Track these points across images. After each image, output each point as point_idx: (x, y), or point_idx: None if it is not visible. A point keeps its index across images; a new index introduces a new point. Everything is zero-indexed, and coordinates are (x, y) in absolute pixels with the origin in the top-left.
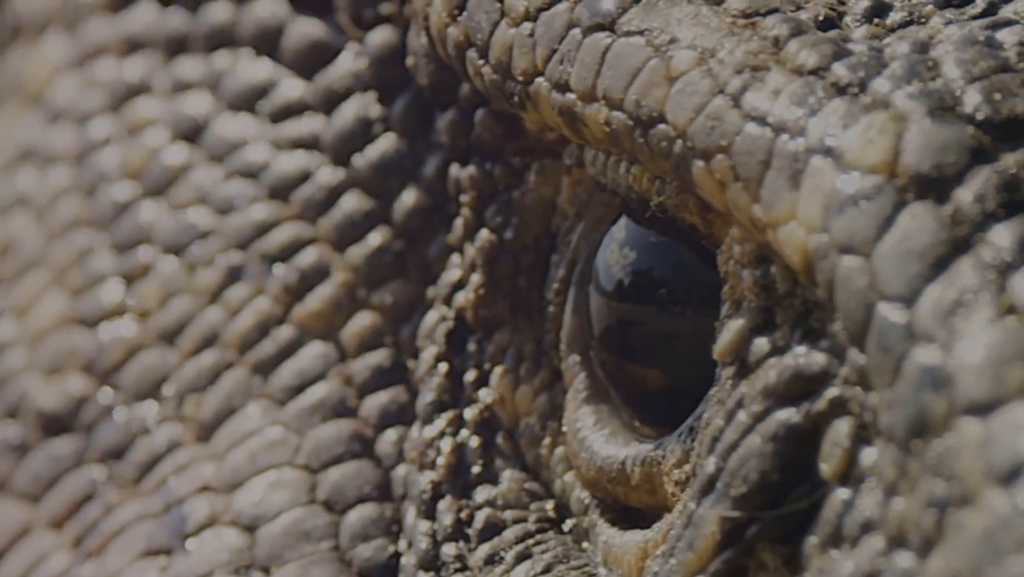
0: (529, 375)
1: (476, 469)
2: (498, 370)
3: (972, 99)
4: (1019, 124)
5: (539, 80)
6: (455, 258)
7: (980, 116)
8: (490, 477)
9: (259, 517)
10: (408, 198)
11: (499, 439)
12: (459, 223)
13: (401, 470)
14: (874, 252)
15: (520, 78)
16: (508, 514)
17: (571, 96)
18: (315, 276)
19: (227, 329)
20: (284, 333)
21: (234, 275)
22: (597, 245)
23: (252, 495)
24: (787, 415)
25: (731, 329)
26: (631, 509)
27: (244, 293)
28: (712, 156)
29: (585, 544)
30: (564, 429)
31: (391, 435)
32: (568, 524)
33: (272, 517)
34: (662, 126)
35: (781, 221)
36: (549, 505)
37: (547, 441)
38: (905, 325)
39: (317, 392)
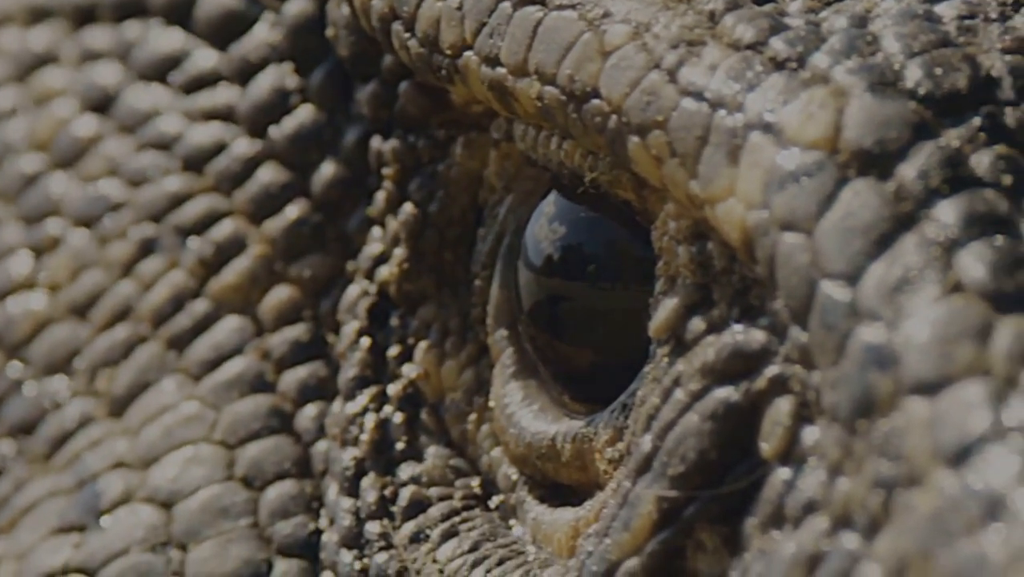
0: (455, 350)
1: (400, 445)
2: (422, 345)
3: (913, 74)
4: (960, 99)
5: (468, 54)
6: (376, 231)
7: (922, 91)
8: (414, 454)
9: (175, 493)
10: (327, 170)
11: (423, 415)
12: (381, 196)
13: (321, 446)
14: (816, 229)
15: (448, 52)
16: (433, 491)
17: (501, 70)
18: (231, 249)
19: (140, 303)
20: (199, 307)
21: (147, 248)
22: (525, 219)
23: (168, 471)
24: (726, 393)
25: (667, 306)
26: (561, 486)
27: (158, 266)
28: (648, 132)
29: (512, 521)
30: (491, 405)
31: (311, 410)
32: (495, 501)
33: (189, 493)
34: (596, 101)
35: (719, 197)
36: (475, 482)
37: (473, 417)
38: (849, 303)
39: (234, 367)
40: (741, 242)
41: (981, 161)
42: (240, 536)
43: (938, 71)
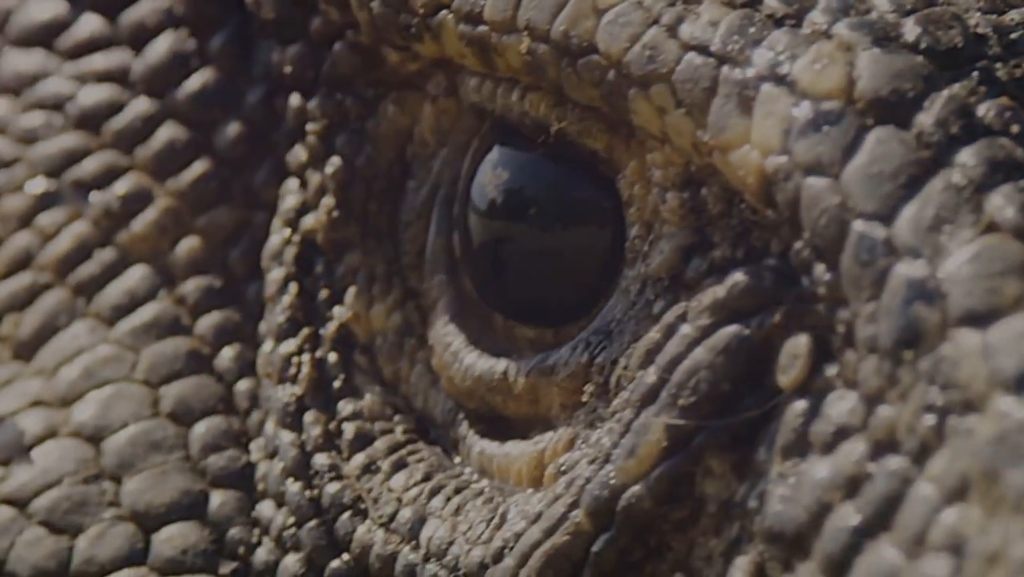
0: (382, 294)
1: (337, 384)
2: (351, 290)
3: (912, 30)
4: (959, 54)
5: (444, 12)
6: (291, 184)
7: (923, 45)
8: (352, 392)
9: (102, 428)
10: (231, 129)
11: (357, 355)
12: (301, 151)
13: (244, 385)
14: (843, 173)
15: (421, 11)
16: (376, 426)
17: (484, 28)
18: (136, 203)
19: (42, 252)
20: (107, 256)
21: (47, 202)
22: (467, 171)
23: (91, 408)
24: (737, 329)
25: (663, 248)
26: (503, 419)
27: (59, 218)
28: (651, 85)
29: (454, 456)
30: (431, 344)
31: (229, 352)
32: (433, 435)
33: (117, 429)
34: (594, 56)
35: (733, 145)
36: (412, 418)
37: (405, 357)
38: (885, 240)
39: (148, 311)
40: (757, 186)
41: (988, 111)
42: (174, 468)
43: (933, 28)
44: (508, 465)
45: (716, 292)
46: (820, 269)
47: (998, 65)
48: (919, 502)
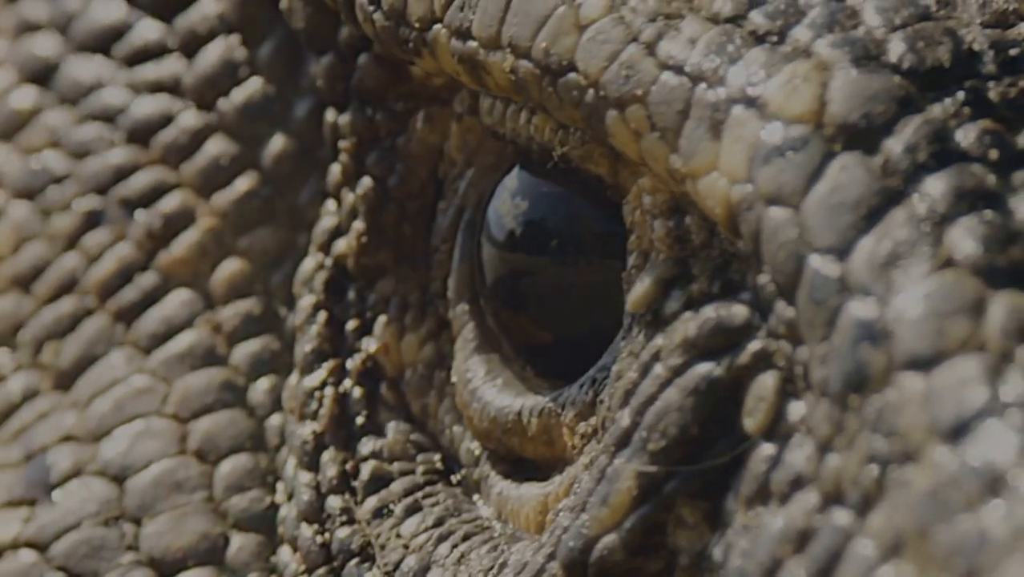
0: (414, 324)
1: (360, 420)
2: (381, 319)
3: (896, 48)
4: (944, 73)
5: (437, 27)
6: (330, 204)
7: (906, 65)
8: (375, 428)
9: (127, 467)
10: (277, 143)
11: (383, 389)
12: (336, 169)
13: (276, 420)
14: (803, 203)
15: (416, 25)
16: (395, 466)
17: (473, 44)
18: (179, 222)
19: (87, 275)
20: (147, 280)
21: (93, 220)
22: (487, 193)
23: (119, 445)
24: (708, 368)
25: (644, 281)
26: (525, 461)
27: (104, 239)
28: (627, 105)
29: (476, 497)
30: (453, 379)
31: (264, 384)
32: (457, 476)
33: (141, 467)
34: (572, 75)
35: (702, 171)
36: (436, 457)
37: (434, 392)
38: (838, 277)
39: (184, 340)
40: (724, 216)
41: (967, 135)
42: (195, 510)
43: (921, 45)
44: (519, 509)
45: (688, 329)
46: (781, 306)
47: (990, 84)
48: (858, 560)
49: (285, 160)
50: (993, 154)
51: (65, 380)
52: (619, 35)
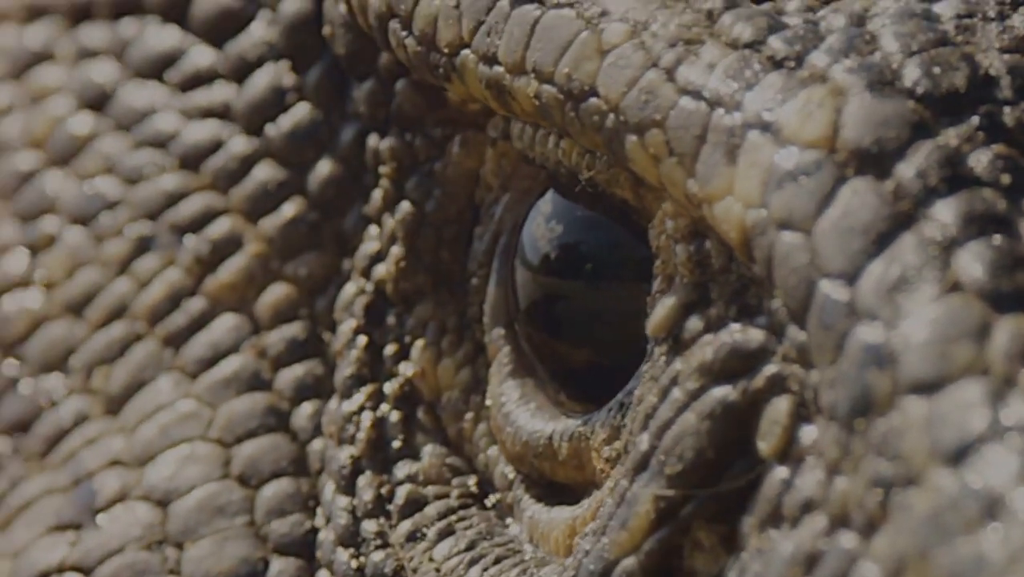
0: (451, 348)
1: (397, 444)
2: (419, 343)
3: (912, 73)
4: (959, 98)
5: (465, 52)
6: (372, 230)
7: (920, 90)
8: (411, 452)
9: (171, 492)
10: (323, 168)
11: (420, 413)
12: (377, 194)
13: (317, 444)
14: (814, 228)
15: (445, 50)
16: (430, 490)
17: (499, 69)
18: (227, 247)
19: (136, 301)
20: (196, 305)
21: (144, 246)
22: (522, 218)
23: (164, 469)
24: (724, 392)
25: (665, 305)
26: (557, 485)
27: (154, 264)
28: (646, 130)
29: (509, 520)
30: (488, 403)
31: (307, 408)
32: (491, 500)
33: (185, 492)
34: (594, 100)
35: (717, 196)
36: (471, 480)
37: (470, 415)
38: (847, 302)
39: (230, 365)
40: (739, 241)
41: (979, 160)
42: (236, 534)
43: (936, 70)
44: (548, 533)
45: (705, 353)
46: (793, 330)
47: (1006, 109)
48: None
49: (331, 185)
50: (1005, 179)
51: (114, 405)
52: (639, 60)
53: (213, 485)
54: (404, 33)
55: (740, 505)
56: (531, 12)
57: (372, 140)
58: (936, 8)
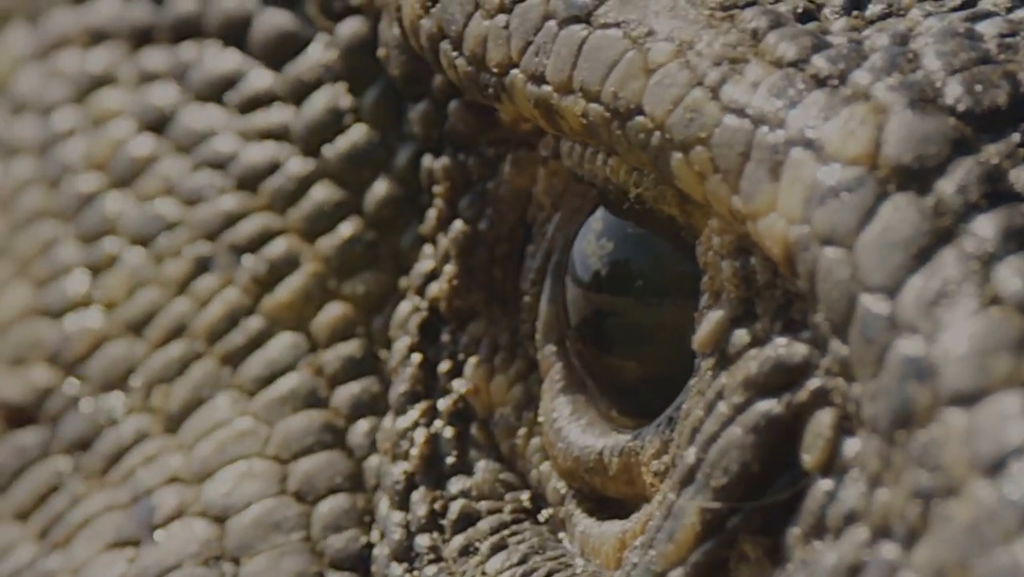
0: (504, 365)
1: (450, 460)
2: (472, 360)
3: (953, 91)
4: (1000, 115)
5: (514, 72)
6: (427, 249)
7: (961, 107)
8: (464, 468)
9: (229, 508)
10: (380, 188)
11: (473, 429)
12: (432, 214)
13: (373, 461)
14: (856, 243)
15: (495, 70)
16: (483, 505)
17: (547, 88)
18: (285, 266)
19: (195, 320)
20: (253, 324)
21: (202, 266)
22: (573, 236)
23: (221, 486)
24: (768, 406)
25: (711, 320)
26: (609, 500)
27: (213, 284)
28: (691, 148)
29: (561, 534)
30: (540, 419)
31: (363, 425)
32: (544, 515)
33: (242, 508)
34: (640, 118)
35: (761, 212)
36: (524, 496)
37: (522, 431)
38: (888, 316)
39: (287, 383)
40: (783, 257)
41: (1020, 176)
42: (292, 550)
43: (978, 88)
44: (599, 547)
45: (750, 367)
46: (836, 344)
47: None
48: None
49: (387, 205)
50: None
51: (173, 423)
52: (685, 79)
53: (270, 501)
54: (455, 54)
55: (784, 517)
56: (578, 32)
57: (427, 160)
58: (979, 27)
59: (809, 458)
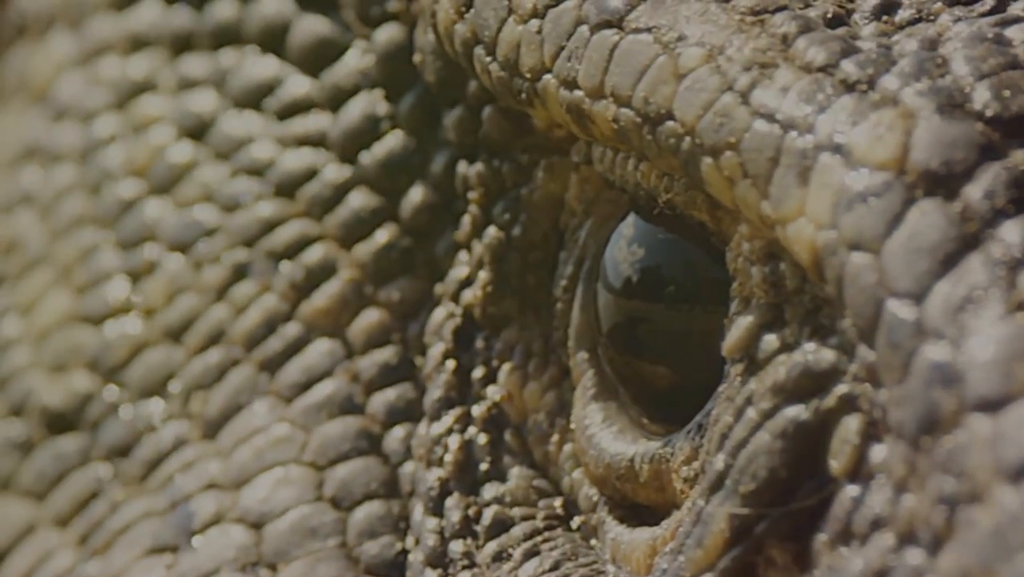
0: (537, 372)
1: (484, 466)
2: (506, 367)
3: (981, 96)
4: None
5: (547, 77)
6: (463, 255)
7: (989, 113)
8: (498, 474)
9: (266, 514)
10: (416, 195)
11: (507, 436)
12: (467, 220)
13: (409, 467)
14: (883, 249)
15: (528, 75)
16: (516, 511)
17: (579, 93)
18: (322, 273)
19: (233, 326)
20: (291, 330)
21: (240, 272)
22: (605, 242)
23: (259, 492)
24: (796, 412)
25: (740, 326)
26: (640, 506)
27: (251, 290)
28: (721, 153)
29: (594, 541)
30: (572, 426)
31: (398, 432)
32: (576, 521)
33: (279, 514)
34: (670, 123)
35: (790, 218)
36: (557, 502)
37: (555, 438)
38: (915, 322)
39: (324, 389)
40: (811, 262)
41: None
42: (328, 556)
43: (1006, 93)
44: (630, 553)
45: (778, 373)
46: (863, 350)
47: None
48: None
49: (423, 212)
50: None
51: (211, 429)
52: (715, 84)
53: (306, 507)
54: (488, 59)
55: (812, 523)
56: (610, 37)
57: (462, 166)
58: (1008, 32)
59: (836, 464)
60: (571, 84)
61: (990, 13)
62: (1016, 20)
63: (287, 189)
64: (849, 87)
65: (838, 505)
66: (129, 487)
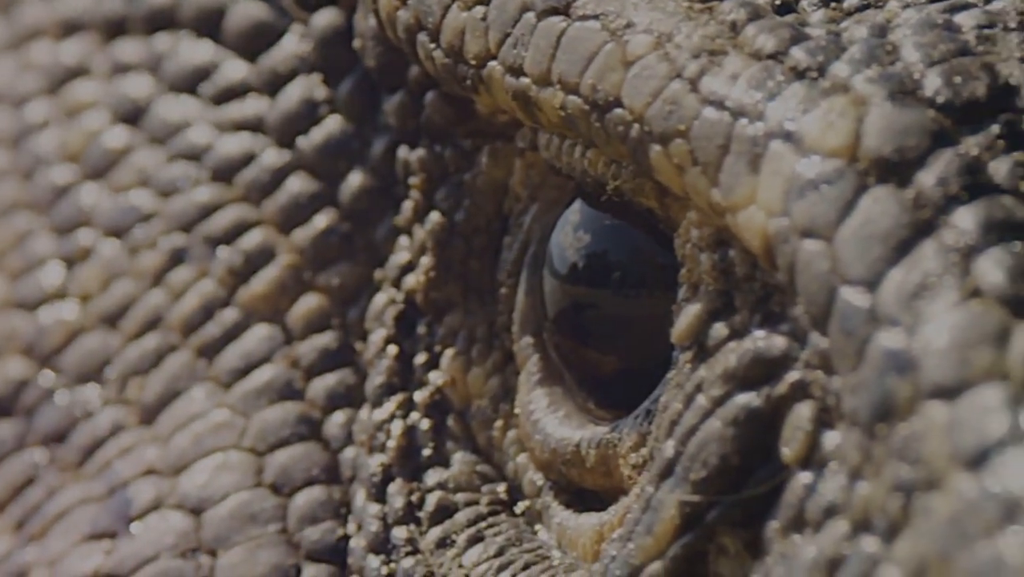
0: (481, 357)
1: (427, 452)
2: (449, 352)
3: (932, 83)
4: (979, 107)
5: (492, 64)
6: (403, 240)
7: (941, 99)
8: (441, 460)
9: (205, 500)
10: (355, 180)
11: (450, 421)
12: (408, 205)
13: (350, 452)
14: (836, 236)
15: (472, 62)
16: (460, 497)
17: (525, 80)
18: (260, 258)
19: (171, 312)
20: (229, 316)
21: (177, 258)
22: (550, 227)
23: (198, 478)
24: (747, 399)
25: (689, 313)
26: (586, 491)
27: (188, 276)
28: (670, 140)
29: (538, 527)
30: (517, 411)
31: (339, 417)
32: (520, 507)
33: (218, 500)
34: (618, 110)
35: (740, 205)
36: (501, 488)
37: (499, 423)
38: (868, 309)
39: (263, 375)
40: (762, 249)
41: (999, 168)
42: (269, 542)
43: (957, 79)
44: (576, 538)
45: (728, 360)
46: (815, 337)
47: None
48: None
49: (363, 197)
50: None
51: (149, 415)
52: (664, 71)
53: (246, 493)
54: (432, 45)
55: (764, 510)
56: (557, 24)
57: (403, 152)
58: (957, 19)
59: (788, 451)
60: (517, 71)
61: None
62: (965, 6)
63: (224, 174)
64: (799, 74)
65: (790, 492)
66: (66, 473)
